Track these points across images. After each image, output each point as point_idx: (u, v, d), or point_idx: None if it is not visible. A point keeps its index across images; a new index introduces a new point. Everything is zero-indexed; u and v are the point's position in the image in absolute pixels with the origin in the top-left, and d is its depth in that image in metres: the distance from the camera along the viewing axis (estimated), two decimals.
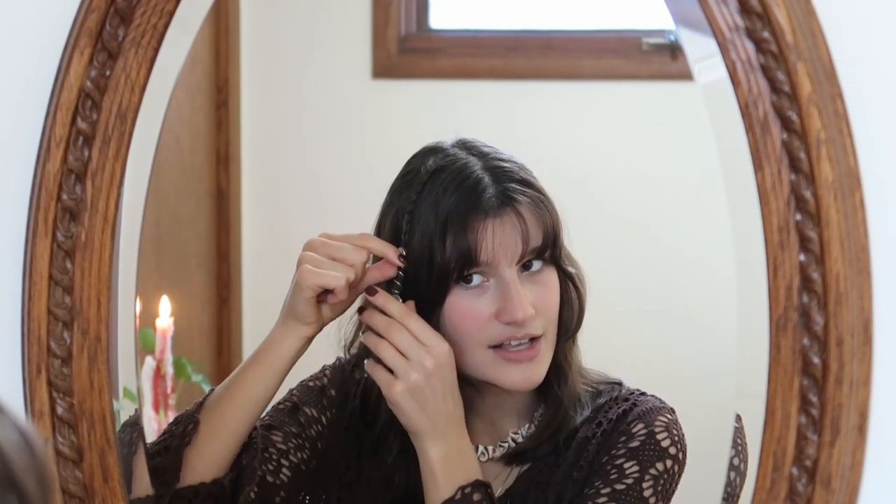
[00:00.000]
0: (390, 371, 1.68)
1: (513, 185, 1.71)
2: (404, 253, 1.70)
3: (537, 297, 1.71)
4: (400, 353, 1.67)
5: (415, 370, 1.66)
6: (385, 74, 2.78)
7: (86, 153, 1.61)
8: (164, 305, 2.50)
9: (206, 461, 1.71)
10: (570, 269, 1.76)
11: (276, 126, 2.82)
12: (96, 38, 1.59)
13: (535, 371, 1.72)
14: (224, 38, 2.76)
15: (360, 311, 1.73)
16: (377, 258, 1.72)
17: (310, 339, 1.72)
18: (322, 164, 2.77)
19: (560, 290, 1.74)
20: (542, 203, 1.72)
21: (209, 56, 2.77)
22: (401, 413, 1.68)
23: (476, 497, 1.66)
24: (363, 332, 1.73)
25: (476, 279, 1.70)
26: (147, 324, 2.47)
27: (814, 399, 1.50)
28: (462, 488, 1.66)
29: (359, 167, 2.73)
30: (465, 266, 1.69)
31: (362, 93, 2.81)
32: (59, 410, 1.62)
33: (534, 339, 1.71)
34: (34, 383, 1.62)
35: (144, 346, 2.48)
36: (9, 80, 1.64)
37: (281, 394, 1.82)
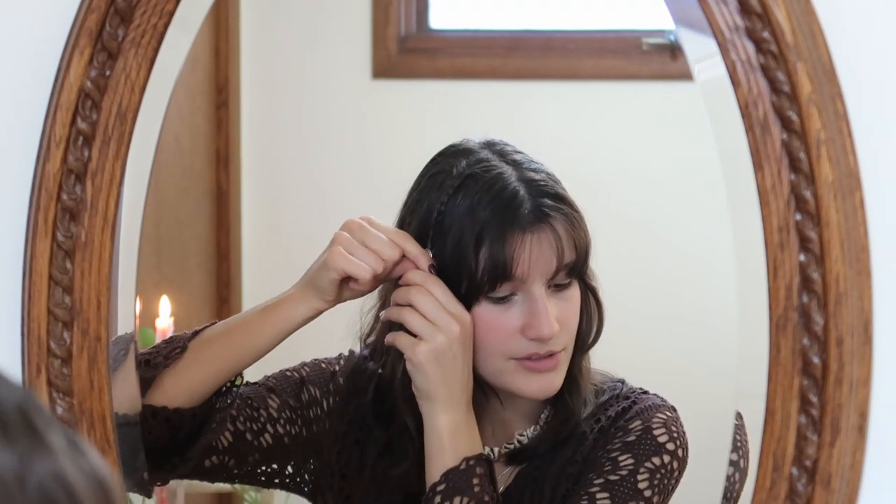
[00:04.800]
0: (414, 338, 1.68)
1: (548, 200, 1.70)
2: (434, 262, 1.70)
3: (561, 313, 1.71)
4: (426, 319, 1.67)
5: (442, 332, 1.66)
6: (385, 74, 2.79)
7: (86, 153, 1.61)
8: (164, 305, 2.50)
9: (179, 388, 1.71)
10: (593, 283, 1.76)
11: (276, 126, 2.82)
12: (96, 38, 1.59)
13: (553, 381, 1.72)
14: (224, 38, 2.77)
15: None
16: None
17: (321, 312, 1.72)
18: (322, 163, 2.77)
19: (581, 302, 1.74)
20: (575, 220, 1.71)
21: (209, 56, 2.77)
22: (421, 376, 1.67)
23: (479, 470, 1.67)
24: (386, 309, 1.73)
25: (504, 292, 1.69)
26: (147, 324, 2.47)
27: (814, 399, 1.49)
28: (467, 459, 1.67)
29: (359, 167, 2.74)
30: (497, 280, 1.68)
31: (362, 93, 2.81)
32: (59, 410, 1.62)
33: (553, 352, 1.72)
34: (34, 383, 1.62)
35: (144, 346, 2.48)
36: (9, 80, 1.64)
37: (292, 362, 1.82)
